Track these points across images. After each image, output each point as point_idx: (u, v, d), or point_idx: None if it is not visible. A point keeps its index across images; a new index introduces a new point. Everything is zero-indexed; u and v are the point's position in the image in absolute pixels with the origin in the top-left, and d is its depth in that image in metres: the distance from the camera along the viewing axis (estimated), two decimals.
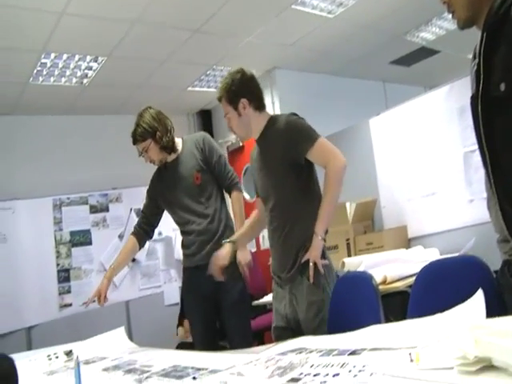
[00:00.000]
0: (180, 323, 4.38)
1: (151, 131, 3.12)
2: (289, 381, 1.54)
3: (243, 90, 2.52)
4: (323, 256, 2.46)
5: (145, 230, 3.43)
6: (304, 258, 2.43)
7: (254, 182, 2.77)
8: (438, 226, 4.29)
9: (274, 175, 2.52)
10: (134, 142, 3.19)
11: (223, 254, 2.74)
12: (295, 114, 2.55)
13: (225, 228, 3.11)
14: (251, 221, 2.86)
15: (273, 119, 2.56)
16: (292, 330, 2.50)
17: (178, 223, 3.34)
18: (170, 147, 3.19)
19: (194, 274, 3.06)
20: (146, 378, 2.14)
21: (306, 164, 2.46)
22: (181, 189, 3.20)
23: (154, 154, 3.19)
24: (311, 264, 2.40)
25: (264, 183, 2.59)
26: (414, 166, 4.49)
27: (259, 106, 2.57)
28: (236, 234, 2.87)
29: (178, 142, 3.28)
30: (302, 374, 1.57)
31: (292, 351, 1.97)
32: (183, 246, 3.31)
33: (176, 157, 3.25)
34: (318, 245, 2.42)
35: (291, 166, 2.45)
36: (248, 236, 2.87)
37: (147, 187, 3.43)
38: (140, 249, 3.50)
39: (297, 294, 2.48)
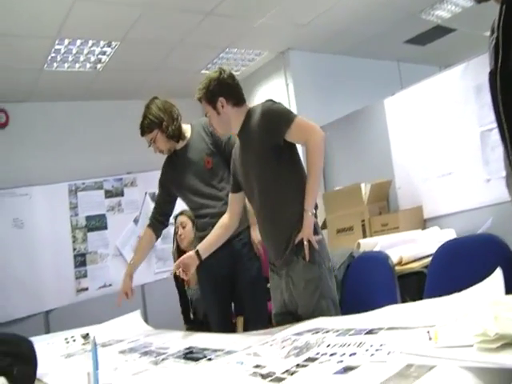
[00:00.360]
0: (186, 320, 4.33)
1: (157, 122, 3.14)
2: (305, 360, 1.54)
3: (220, 89, 2.55)
4: (315, 231, 2.46)
5: (159, 220, 3.45)
6: (298, 238, 2.43)
7: (232, 178, 2.79)
8: (454, 206, 4.24)
9: (257, 164, 2.53)
10: (142, 134, 3.22)
11: (189, 257, 2.75)
12: (271, 100, 2.56)
13: None
14: (217, 228, 2.85)
15: (250, 111, 2.59)
16: (291, 314, 2.51)
17: (191, 208, 3.36)
18: (176, 136, 3.20)
19: (209, 255, 3.07)
20: (162, 360, 2.15)
21: (286, 146, 2.47)
22: (192, 174, 3.21)
23: (162, 144, 3.21)
24: (306, 243, 2.40)
25: (248, 175, 2.60)
26: (430, 146, 4.43)
27: (237, 102, 2.60)
28: (201, 243, 2.87)
29: (187, 128, 3.29)
30: (318, 353, 1.57)
31: (308, 331, 1.97)
32: (197, 229, 3.32)
33: (185, 143, 3.27)
34: (309, 221, 2.42)
35: (273, 151, 2.46)
36: (213, 244, 2.84)
37: (159, 175, 3.44)
38: (157, 239, 3.52)
39: (293, 276, 2.48)
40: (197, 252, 2.77)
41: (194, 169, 3.20)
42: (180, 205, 3.52)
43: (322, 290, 2.42)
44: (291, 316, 2.49)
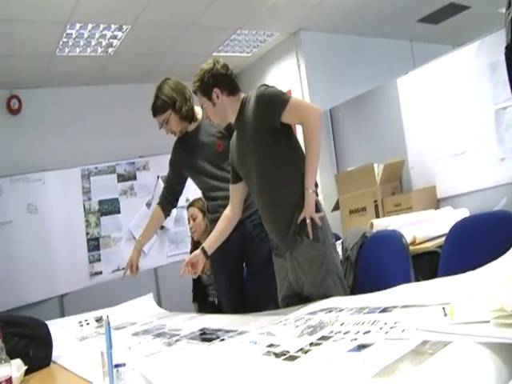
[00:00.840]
0: (195, 298, 4.35)
1: (170, 102, 3.12)
2: (319, 339, 1.53)
3: (214, 80, 2.56)
4: (317, 209, 2.46)
5: (168, 200, 3.48)
6: (300, 218, 2.44)
7: (231, 169, 2.79)
8: (467, 185, 4.19)
9: (255, 150, 2.54)
10: (155, 115, 3.20)
11: (196, 255, 2.75)
12: (264, 85, 2.57)
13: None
14: (220, 222, 2.85)
15: (245, 99, 2.61)
16: (298, 295, 2.51)
17: (204, 189, 3.34)
18: (189, 116, 3.19)
19: None
20: (176, 341, 2.16)
21: (282, 128, 2.48)
22: (203, 156, 3.20)
23: (175, 125, 3.20)
24: (308, 221, 2.41)
25: (245, 162, 2.61)
26: (443, 125, 4.38)
27: (232, 91, 2.61)
28: (207, 239, 2.87)
29: (198, 110, 3.26)
30: (332, 332, 1.57)
31: (322, 310, 1.96)
32: (209, 211, 3.31)
33: (197, 125, 3.25)
34: (311, 199, 2.43)
35: (270, 135, 2.47)
36: (218, 239, 2.85)
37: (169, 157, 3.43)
38: (166, 218, 3.56)
39: (297, 256, 2.48)
40: (203, 249, 2.77)
41: (206, 151, 3.19)
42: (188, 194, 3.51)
43: (328, 266, 2.42)
44: (297, 298, 2.49)
